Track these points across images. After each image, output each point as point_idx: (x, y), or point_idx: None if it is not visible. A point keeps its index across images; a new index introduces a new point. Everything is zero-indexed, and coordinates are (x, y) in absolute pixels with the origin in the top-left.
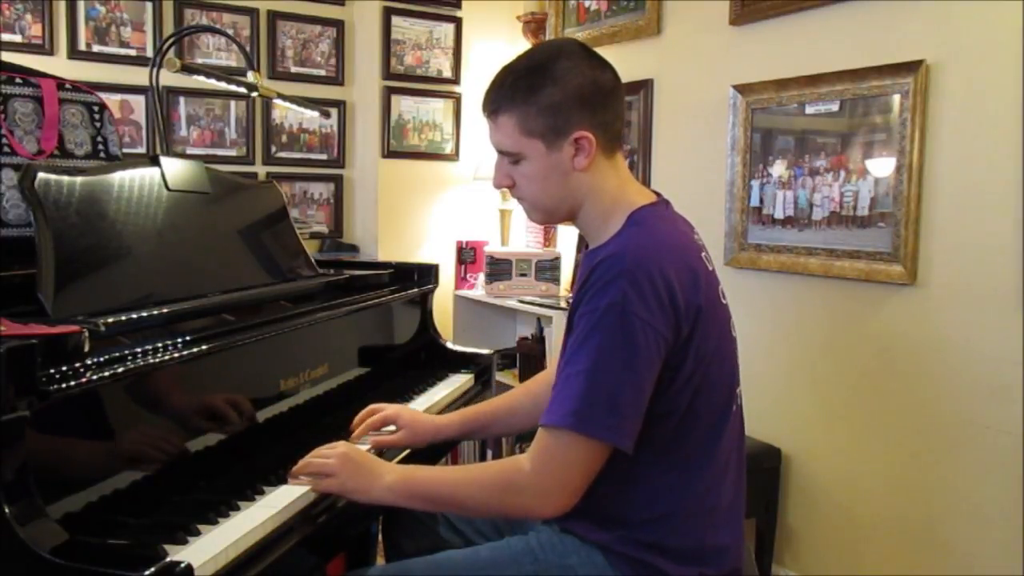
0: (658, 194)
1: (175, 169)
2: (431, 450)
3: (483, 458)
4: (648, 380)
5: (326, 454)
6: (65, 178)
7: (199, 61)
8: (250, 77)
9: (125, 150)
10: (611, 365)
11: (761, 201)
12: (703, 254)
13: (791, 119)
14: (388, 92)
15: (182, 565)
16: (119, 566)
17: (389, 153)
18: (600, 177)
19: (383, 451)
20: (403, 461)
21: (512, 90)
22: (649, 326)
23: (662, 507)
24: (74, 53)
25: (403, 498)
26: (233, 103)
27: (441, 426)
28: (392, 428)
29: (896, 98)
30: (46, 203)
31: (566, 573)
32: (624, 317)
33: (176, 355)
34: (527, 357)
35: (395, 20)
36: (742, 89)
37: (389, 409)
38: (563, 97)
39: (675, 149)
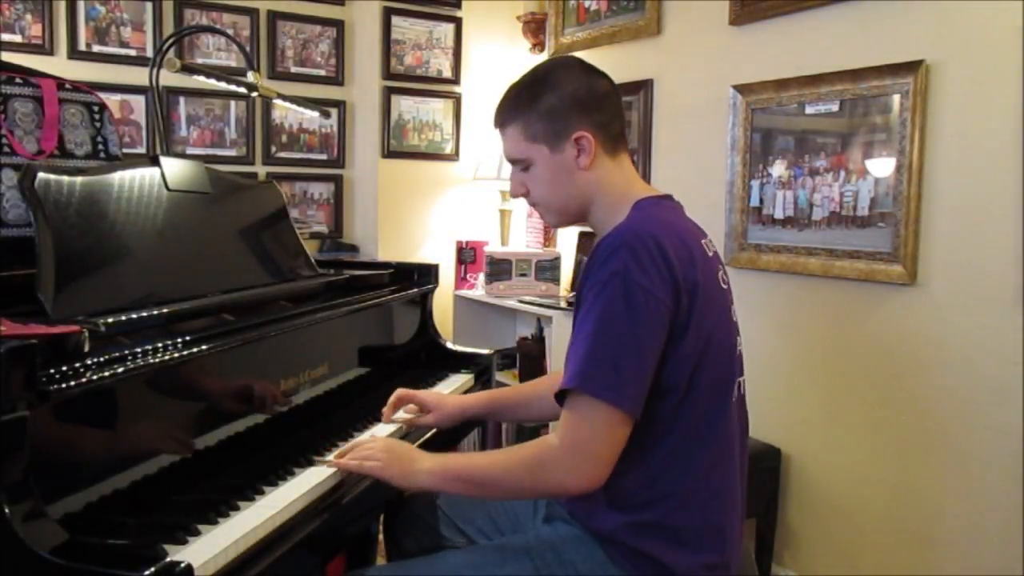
0: (667, 195)
1: (175, 169)
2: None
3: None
4: (651, 347)
5: (370, 444)
6: (65, 178)
7: (199, 61)
8: (250, 77)
9: (125, 150)
10: (614, 330)
11: (761, 201)
12: (703, 240)
13: (791, 119)
14: (388, 92)
15: (182, 565)
16: (119, 566)
17: (389, 153)
18: (606, 175)
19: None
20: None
21: (515, 102)
22: (650, 294)
23: (663, 486)
24: (74, 53)
25: (441, 481)
26: (233, 103)
27: (467, 405)
28: (414, 408)
29: (896, 98)
30: (46, 203)
31: (566, 570)
32: (626, 285)
33: (176, 355)
34: (527, 357)
35: (395, 20)
36: (742, 89)
37: (418, 394)
38: (560, 102)
39: (675, 149)
